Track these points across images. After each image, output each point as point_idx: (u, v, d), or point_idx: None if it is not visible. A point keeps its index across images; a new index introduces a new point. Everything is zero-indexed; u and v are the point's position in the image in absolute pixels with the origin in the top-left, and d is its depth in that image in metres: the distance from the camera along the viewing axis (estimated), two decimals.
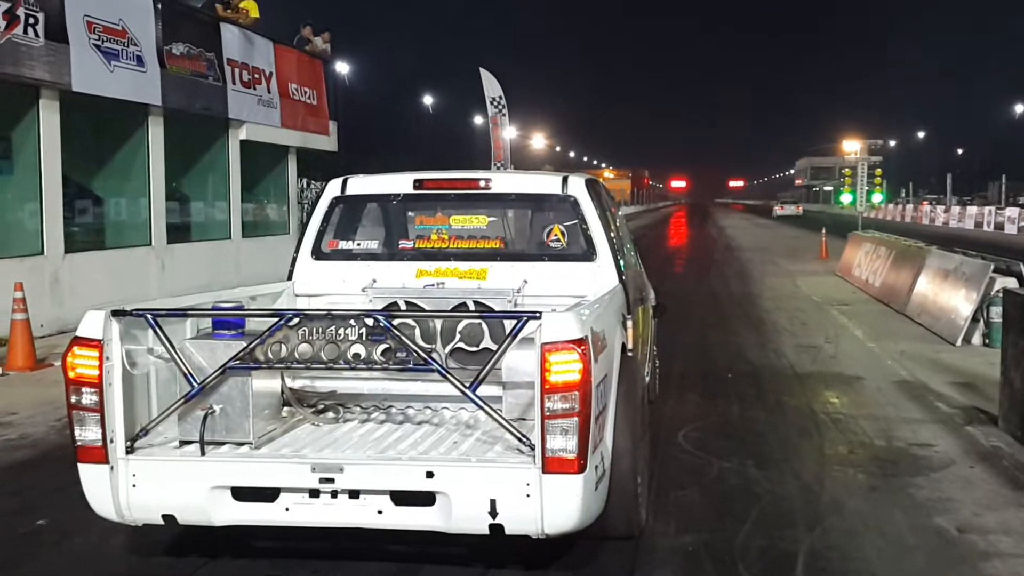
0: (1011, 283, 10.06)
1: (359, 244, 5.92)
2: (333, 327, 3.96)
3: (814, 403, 8.01)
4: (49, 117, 11.21)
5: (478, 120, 54.71)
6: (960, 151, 58.13)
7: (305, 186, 23.77)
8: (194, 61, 13.97)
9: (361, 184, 5.99)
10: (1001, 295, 8.22)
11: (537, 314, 3.85)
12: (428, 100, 70.05)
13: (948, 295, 11.64)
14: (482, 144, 34.67)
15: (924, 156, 59.98)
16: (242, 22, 15.38)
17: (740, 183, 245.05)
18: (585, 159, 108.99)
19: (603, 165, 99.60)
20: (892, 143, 68.57)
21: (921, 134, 62.75)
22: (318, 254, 5.87)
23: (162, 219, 13.57)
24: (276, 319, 4.02)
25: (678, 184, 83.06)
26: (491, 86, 32.64)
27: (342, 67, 50.27)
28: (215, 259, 14.94)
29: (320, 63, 18.26)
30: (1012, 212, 37.55)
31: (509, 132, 38.17)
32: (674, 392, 8.24)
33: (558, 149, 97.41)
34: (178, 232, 14.25)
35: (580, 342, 3.79)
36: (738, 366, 9.70)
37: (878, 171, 32.09)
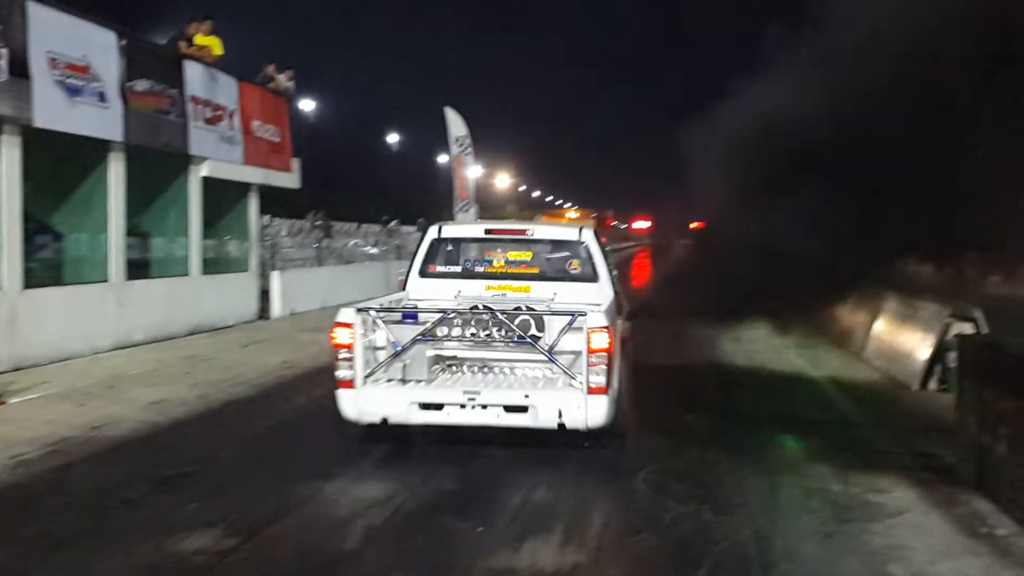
0: (967, 328, 10.19)
1: (448, 268, 8.90)
2: (471, 319, 7.37)
3: (766, 447, 8.04)
4: (10, 153, 11.08)
5: (444, 158, 54.87)
6: None
7: (268, 223, 23.62)
8: (157, 97, 13.91)
9: (450, 230, 9.10)
10: (956, 340, 8.33)
11: (584, 312, 7.12)
12: (394, 138, 70.14)
13: (905, 339, 11.77)
14: (448, 181, 34.74)
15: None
16: (206, 59, 15.36)
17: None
18: (549, 199, 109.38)
19: (567, 204, 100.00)
20: None
21: None
22: (423, 274, 8.86)
23: (121, 255, 13.41)
24: (440, 313, 7.41)
25: (641, 225, 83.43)
26: (456, 125, 32.77)
27: (308, 105, 50.38)
28: (173, 296, 14.78)
29: (284, 101, 18.26)
30: (971, 255, 37.97)
31: (474, 171, 38.31)
32: None
33: (523, 188, 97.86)
34: (137, 269, 14.07)
35: (607, 327, 7.01)
36: (696, 410, 9.70)
37: None
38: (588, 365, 6.93)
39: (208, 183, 15.52)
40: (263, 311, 17.76)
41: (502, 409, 7.10)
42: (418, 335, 7.34)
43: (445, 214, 38.31)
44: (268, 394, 10.30)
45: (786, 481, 6.92)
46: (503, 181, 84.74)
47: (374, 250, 29.57)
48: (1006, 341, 6.79)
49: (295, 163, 18.62)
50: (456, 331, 7.36)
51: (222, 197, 16.46)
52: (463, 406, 7.14)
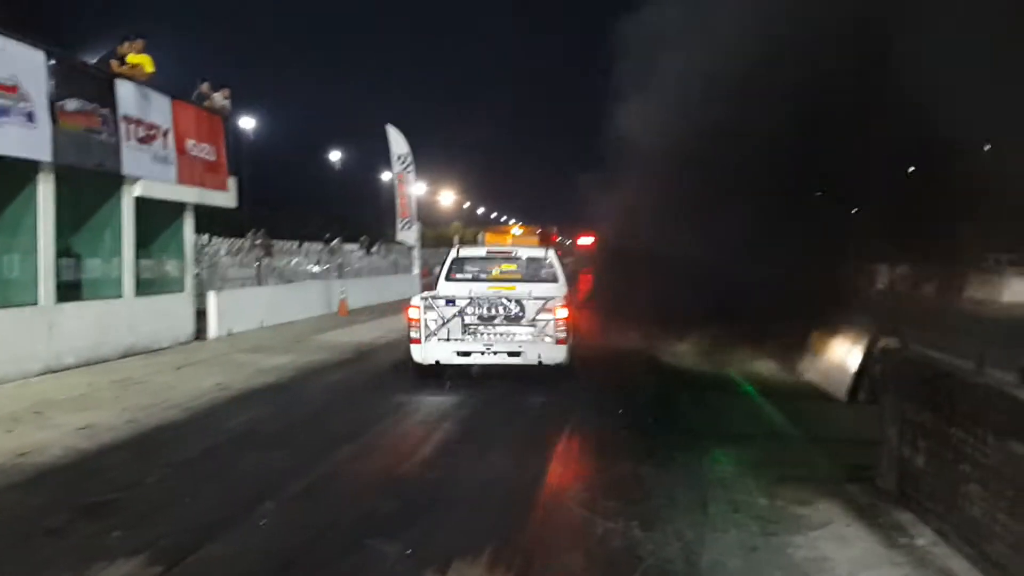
0: (893, 341, 10.39)
1: (463, 275, 13.47)
2: (486, 303, 11.94)
3: (703, 458, 8.13)
4: None
5: (387, 175, 54.74)
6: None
7: (207, 242, 23.35)
8: (88, 117, 13.70)
9: (464, 251, 13.79)
10: (879, 353, 8.50)
11: (555, 298, 12.14)
12: (336, 156, 69.73)
13: (836, 352, 11.98)
14: (390, 198, 34.68)
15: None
16: (138, 77, 15.18)
17: None
18: (494, 215, 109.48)
19: (512, 221, 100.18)
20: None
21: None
22: (448, 279, 13.41)
23: (52, 277, 13.16)
24: (468, 300, 11.99)
25: (585, 241, 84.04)
26: (398, 143, 32.75)
27: (249, 122, 49.92)
28: (106, 318, 14.54)
29: (219, 119, 18.07)
30: (904, 269, 38.20)
31: (418, 188, 38.23)
32: None
33: (467, 205, 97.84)
34: (68, 291, 13.83)
35: (567, 306, 12.05)
36: (634, 425, 9.77)
37: None
38: (555, 328, 11.86)
39: (142, 203, 15.32)
40: (200, 332, 17.52)
41: (506, 354, 11.99)
42: (455, 312, 11.97)
43: (389, 232, 38.30)
44: (200, 418, 10.16)
45: (715, 495, 7.00)
46: (448, 198, 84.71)
47: (316, 268, 29.34)
48: (924, 355, 6.96)
49: (232, 182, 18.41)
50: (475, 311, 11.95)
51: (157, 217, 16.25)
52: (483, 353, 12.02)
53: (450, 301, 12.04)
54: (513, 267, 13.58)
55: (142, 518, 6.43)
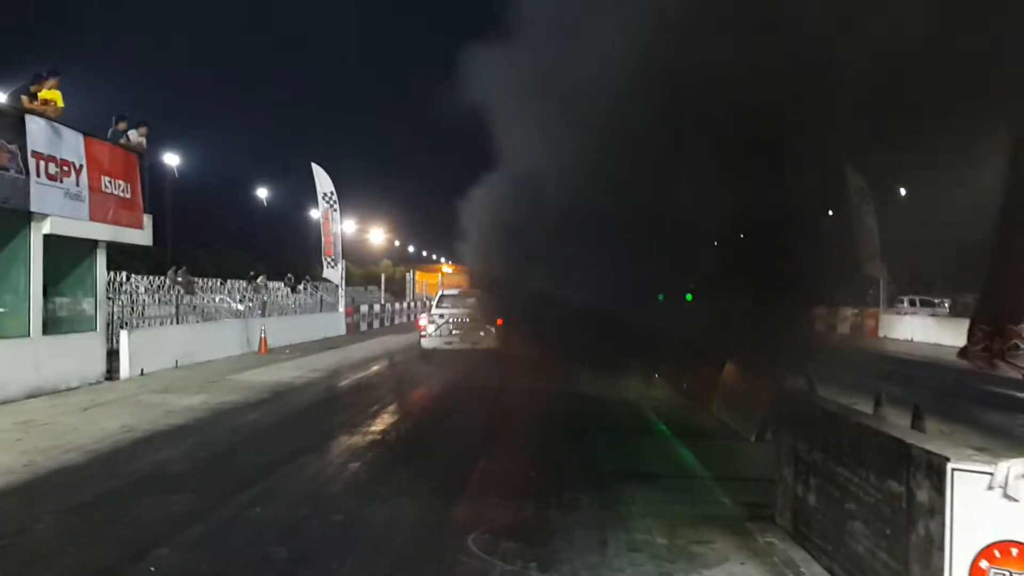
0: (800, 381, 10.58)
1: (440, 306, 23.00)
2: (453, 315, 22.27)
3: (608, 499, 8.17)
4: None
5: (316, 213, 54.38)
6: None
7: (125, 279, 22.90)
8: None
9: (443, 292, 24.58)
10: (777, 393, 8.66)
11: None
12: (264, 193, 69.11)
13: (745, 393, 12.16)
14: (319, 236, 34.46)
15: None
16: (49, 114, 14.92)
17: None
18: (425, 253, 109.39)
19: (443, 260, 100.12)
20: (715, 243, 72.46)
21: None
22: (437, 307, 23.01)
23: None
24: (451, 315, 22.38)
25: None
26: (323, 181, 32.63)
27: (173, 159, 49.20)
28: (11, 358, 14.16)
29: (135, 156, 17.78)
30: (820, 310, 39.40)
31: (347, 226, 38.03)
32: None
33: (397, 244, 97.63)
34: None
35: (500, 319, 18.45)
36: (546, 466, 9.78)
37: None
38: (494, 329, 18.59)
39: (52, 240, 14.98)
40: (111, 372, 17.13)
41: (469, 344, 20.97)
42: (442, 322, 21.69)
43: (317, 269, 38.00)
44: (101, 460, 9.89)
45: (616, 536, 7.03)
46: (378, 236, 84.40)
47: (240, 306, 28.94)
48: (816, 395, 7.11)
49: (147, 219, 18.11)
50: (449, 323, 21.58)
51: (68, 254, 15.92)
52: (456, 344, 21.41)
53: (440, 317, 22.03)
54: (465, 300, 22.34)
55: (26, 567, 6.24)
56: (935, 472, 4.63)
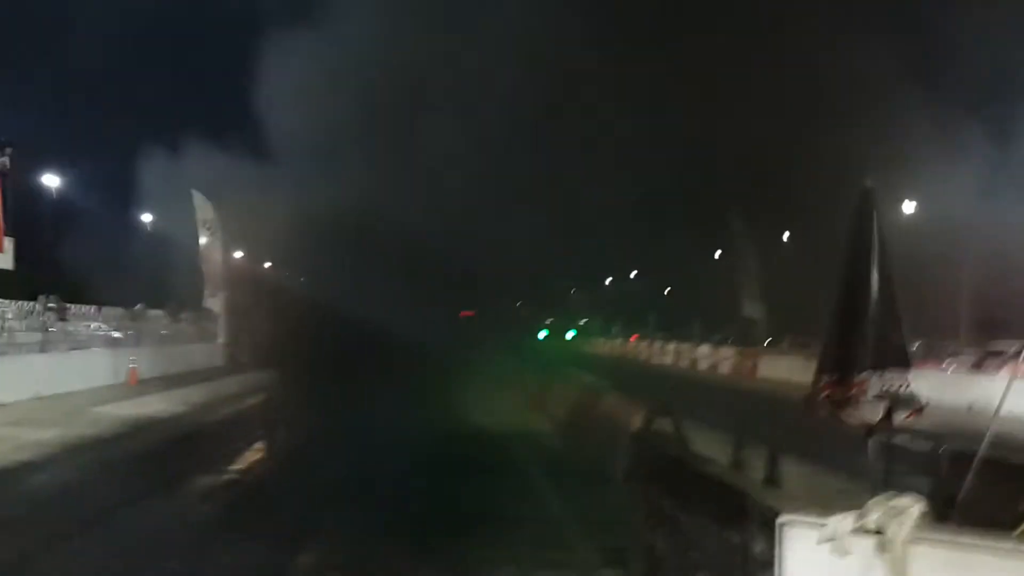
0: (666, 423, 10.56)
1: None
2: None
3: (467, 545, 7.95)
4: None
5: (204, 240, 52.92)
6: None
7: None
8: None
9: None
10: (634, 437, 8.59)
11: None
12: (148, 218, 67.12)
13: (615, 431, 12.10)
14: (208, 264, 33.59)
15: (639, 295, 64.53)
16: None
17: None
18: None
19: None
20: (608, 280, 73.33)
21: (634, 274, 67.61)
22: None
23: None
24: None
25: (467, 314, 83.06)
26: (203, 208, 31.87)
27: (52, 180, 47.31)
28: None
29: None
30: (704, 350, 39.79)
31: (227, 257, 37.21)
32: None
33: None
34: None
35: None
36: (405, 513, 9.50)
37: None
38: None
39: None
40: None
41: None
42: None
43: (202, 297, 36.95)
44: None
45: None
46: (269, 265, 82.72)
47: (117, 334, 27.79)
48: (667, 440, 7.05)
49: (8, 243, 17.25)
50: None
51: None
52: None
53: None
54: None
55: None
56: (767, 525, 4.54)
